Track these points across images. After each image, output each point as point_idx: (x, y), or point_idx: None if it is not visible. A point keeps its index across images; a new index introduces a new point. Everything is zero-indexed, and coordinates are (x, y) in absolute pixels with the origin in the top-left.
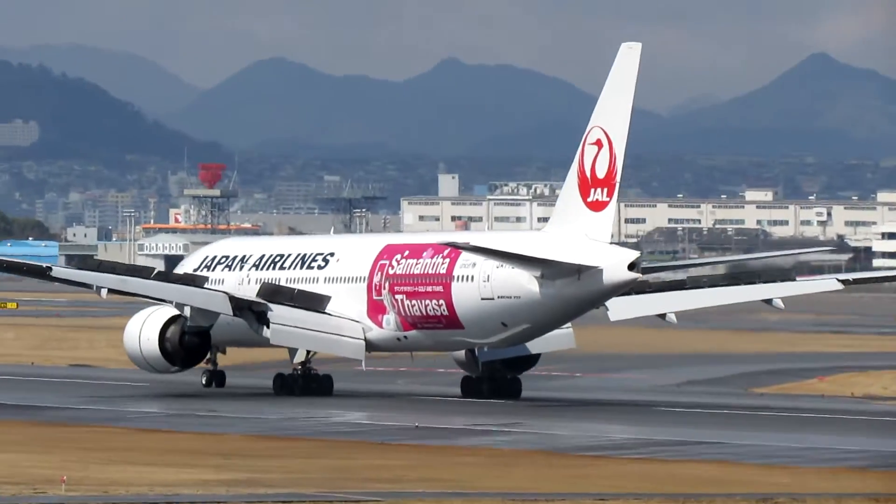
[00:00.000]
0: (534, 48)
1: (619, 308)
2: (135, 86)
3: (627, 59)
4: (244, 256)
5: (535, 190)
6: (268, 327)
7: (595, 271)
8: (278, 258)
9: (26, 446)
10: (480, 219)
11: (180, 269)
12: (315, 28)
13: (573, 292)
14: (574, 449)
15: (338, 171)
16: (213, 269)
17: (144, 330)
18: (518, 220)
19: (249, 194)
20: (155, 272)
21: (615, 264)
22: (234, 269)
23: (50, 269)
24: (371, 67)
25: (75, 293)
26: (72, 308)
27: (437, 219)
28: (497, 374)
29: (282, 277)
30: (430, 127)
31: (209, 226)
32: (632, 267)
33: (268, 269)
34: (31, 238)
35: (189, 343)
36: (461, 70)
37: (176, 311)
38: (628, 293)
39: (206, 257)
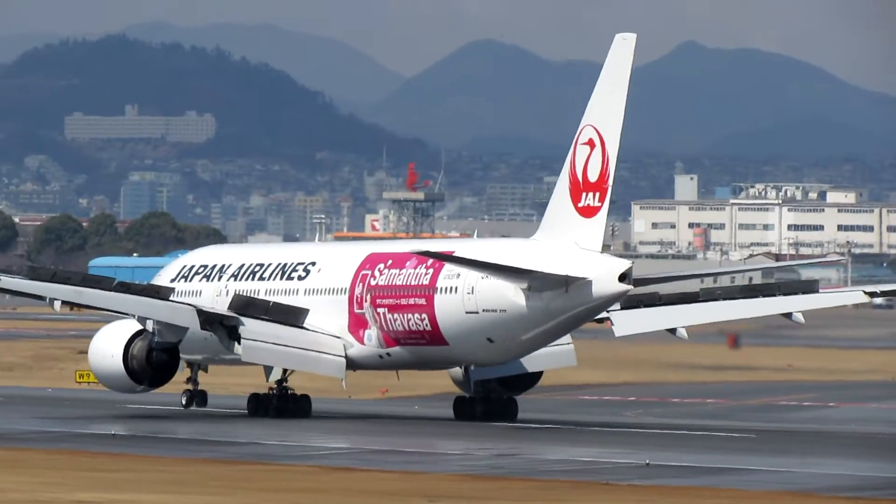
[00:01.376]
0: (781, 30)
1: (625, 323)
2: (326, 73)
3: (621, 51)
4: (223, 266)
5: (786, 193)
6: (239, 343)
7: (583, 283)
8: (258, 268)
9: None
10: (722, 226)
11: (157, 280)
12: (532, 6)
13: (561, 305)
14: (828, 489)
15: (559, 171)
16: (191, 280)
17: (109, 345)
18: (765, 227)
19: (457, 198)
20: (115, 283)
21: (605, 275)
22: (212, 280)
23: None
24: (596, 51)
25: None
26: None
27: (673, 226)
28: (493, 395)
29: (261, 288)
30: (665, 121)
31: (411, 234)
32: (623, 278)
33: (247, 279)
34: None
35: (157, 360)
36: (701, 55)
37: (149, 326)
38: (636, 306)
39: (184, 266)
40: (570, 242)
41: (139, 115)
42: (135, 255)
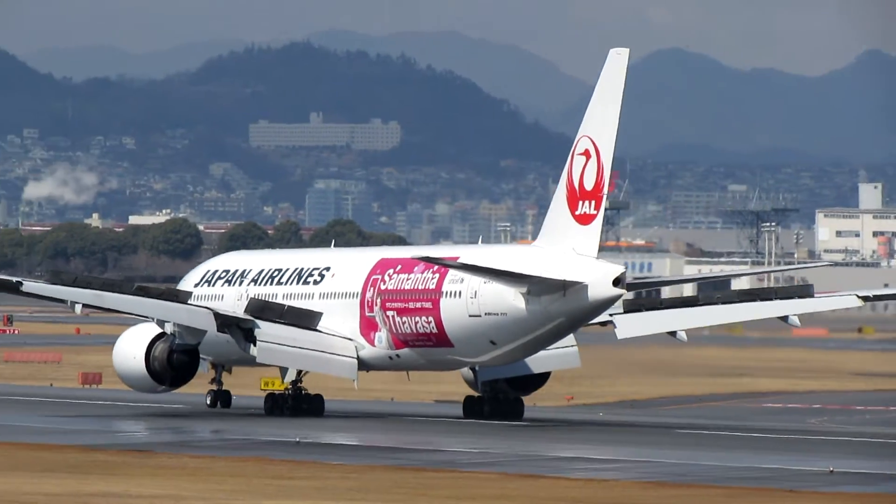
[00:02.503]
0: None
1: (628, 326)
2: (511, 80)
3: (615, 65)
4: (244, 271)
5: None
6: (255, 345)
7: (580, 287)
8: (276, 273)
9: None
10: None
11: (183, 284)
12: (718, 14)
13: (559, 308)
14: None
15: (744, 179)
16: (214, 284)
17: (132, 347)
18: None
19: (643, 206)
20: (135, 287)
21: (600, 279)
22: (233, 284)
23: (21, 283)
24: (782, 60)
25: None
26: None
27: (857, 234)
28: (500, 395)
29: (279, 293)
30: (849, 129)
31: None
32: (617, 282)
33: (265, 284)
34: None
35: (177, 361)
36: (885, 62)
37: (169, 328)
38: (637, 310)
39: (207, 272)
40: (567, 248)
41: (324, 123)
42: None
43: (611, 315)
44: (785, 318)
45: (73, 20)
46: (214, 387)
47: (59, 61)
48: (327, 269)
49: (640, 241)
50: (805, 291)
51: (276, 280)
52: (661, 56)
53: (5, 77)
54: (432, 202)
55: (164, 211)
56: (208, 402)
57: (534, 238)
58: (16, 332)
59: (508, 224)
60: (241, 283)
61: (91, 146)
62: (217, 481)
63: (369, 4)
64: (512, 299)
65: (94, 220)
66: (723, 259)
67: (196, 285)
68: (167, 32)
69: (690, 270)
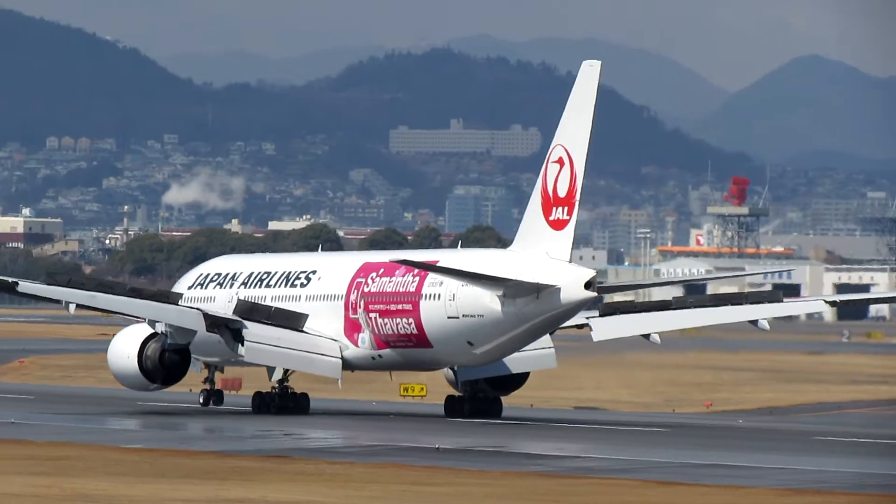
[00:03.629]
0: None
1: (603, 328)
2: (652, 88)
3: (587, 76)
4: (234, 274)
5: None
6: (243, 345)
7: (553, 290)
8: (265, 276)
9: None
10: None
11: (177, 287)
12: (857, 22)
13: (533, 311)
14: None
15: (883, 186)
16: (206, 287)
17: (125, 347)
18: None
19: (782, 213)
20: (128, 288)
21: (572, 283)
22: (224, 287)
23: (17, 283)
24: None
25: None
26: (579, 343)
27: None
28: (479, 394)
29: (267, 295)
30: None
31: (735, 249)
32: (588, 286)
33: (255, 286)
34: None
35: (169, 360)
36: None
37: (160, 328)
38: (612, 313)
39: (201, 275)
40: (541, 253)
41: (464, 129)
42: None
43: (587, 318)
44: (755, 322)
45: (214, 26)
46: (208, 386)
47: (200, 67)
48: (314, 272)
49: (779, 248)
50: (774, 297)
51: (264, 283)
52: (799, 63)
53: (146, 83)
54: None
55: (304, 216)
56: (201, 400)
57: (674, 244)
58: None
59: (648, 230)
60: (231, 286)
61: (231, 152)
62: (355, 487)
63: (510, 11)
64: (488, 302)
65: (234, 226)
66: (862, 266)
67: (189, 287)
68: (308, 38)
69: (830, 278)
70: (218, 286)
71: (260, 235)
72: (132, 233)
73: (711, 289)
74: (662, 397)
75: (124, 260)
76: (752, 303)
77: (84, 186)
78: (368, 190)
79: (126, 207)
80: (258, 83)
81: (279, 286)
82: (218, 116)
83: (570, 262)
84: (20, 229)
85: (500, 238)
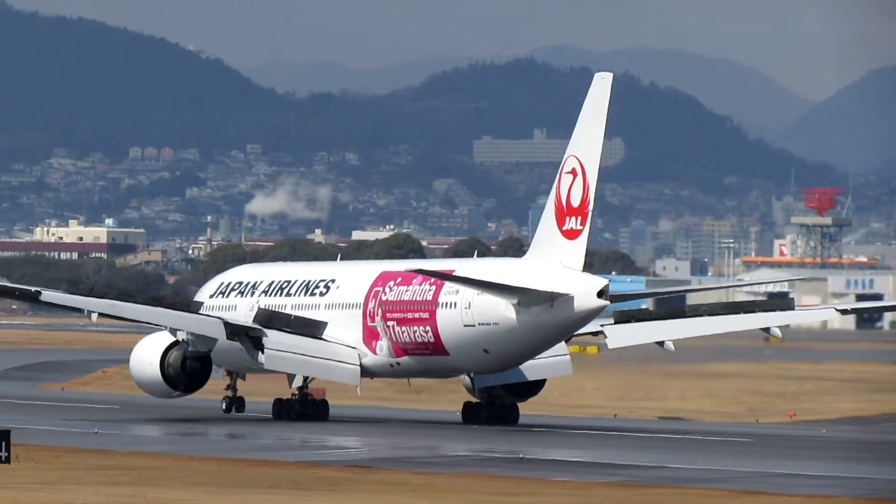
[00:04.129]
0: None
1: (618, 336)
2: (734, 97)
3: (599, 88)
4: (255, 283)
5: None
6: (263, 352)
7: (566, 298)
8: (285, 284)
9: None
10: None
11: (199, 296)
12: None
13: (547, 319)
14: None
15: None
16: (227, 296)
17: (148, 354)
18: None
19: (865, 223)
20: (148, 297)
21: (585, 292)
22: (245, 295)
23: (39, 293)
24: None
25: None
26: (659, 352)
27: None
28: (496, 401)
29: (287, 303)
30: None
31: (818, 259)
32: (601, 294)
33: (275, 295)
34: (613, 272)
35: (191, 368)
36: None
37: (182, 336)
38: (627, 321)
39: (222, 283)
40: (555, 262)
41: (547, 139)
42: None
43: (602, 326)
44: (767, 330)
45: (297, 35)
46: (230, 393)
47: (283, 76)
48: (332, 281)
49: (862, 258)
50: (786, 305)
51: (284, 291)
52: (882, 73)
53: (229, 92)
54: (655, 219)
55: (387, 226)
56: (224, 407)
57: (757, 255)
58: None
59: (732, 240)
60: (252, 294)
61: (314, 161)
62: (439, 498)
63: (593, 21)
64: (503, 310)
65: (317, 236)
66: None
67: (211, 296)
68: (392, 48)
69: None
70: (239, 295)
71: (343, 245)
72: (215, 243)
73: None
74: (746, 407)
75: (207, 270)
76: (764, 311)
77: (167, 196)
78: (452, 200)
79: (209, 217)
80: (341, 93)
81: (299, 295)
82: (301, 126)
83: (584, 271)
84: (103, 239)
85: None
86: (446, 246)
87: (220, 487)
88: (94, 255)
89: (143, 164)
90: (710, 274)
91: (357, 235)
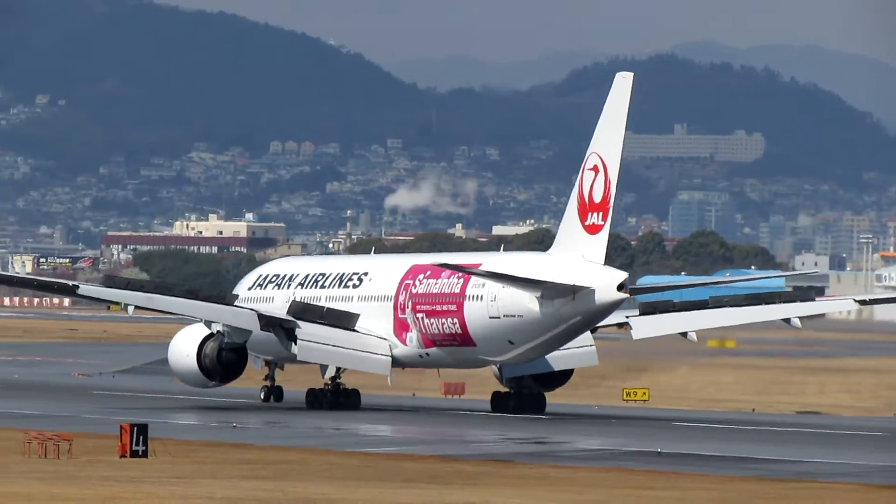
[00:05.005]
0: None
1: (643, 326)
2: (874, 94)
3: (620, 88)
4: (292, 275)
5: None
6: (296, 343)
7: (588, 291)
8: (320, 277)
9: None
10: None
11: (239, 288)
12: None
13: (569, 311)
14: None
15: None
16: (265, 288)
17: (185, 346)
18: None
19: None
20: (184, 290)
21: (606, 285)
22: (282, 288)
23: (77, 286)
24: None
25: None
26: (800, 347)
27: None
28: (524, 391)
29: (322, 296)
30: None
31: None
32: (620, 287)
33: (311, 287)
34: (753, 267)
35: (226, 359)
36: None
37: (218, 328)
38: (651, 312)
39: (260, 276)
40: (578, 256)
41: (688, 134)
42: (682, 273)
43: (627, 317)
44: (788, 320)
45: (438, 31)
46: (268, 383)
47: (424, 72)
48: (365, 274)
49: None
50: (806, 296)
51: (319, 284)
52: None
53: (371, 88)
54: (795, 214)
55: (527, 221)
56: (262, 397)
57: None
58: None
59: (871, 236)
60: (289, 287)
61: (455, 156)
62: (577, 492)
63: (734, 17)
64: (527, 302)
65: (458, 230)
66: None
67: (249, 288)
68: (532, 43)
69: None
70: (276, 287)
71: (484, 240)
72: (355, 237)
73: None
74: (884, 402)
75: None
76: (784, 302)
77: (307, 191)
78: None
79: (349, 212)
80: (482, 88)
81: (333, 287)
82: (442, 121)
83: (605, 264)
84: (243, 234)
85: (723, 243)
86: None
87: (357, 481)
88: (233, 249)
89: (284, 158)
90: (848, 269)
91: (497, 230)
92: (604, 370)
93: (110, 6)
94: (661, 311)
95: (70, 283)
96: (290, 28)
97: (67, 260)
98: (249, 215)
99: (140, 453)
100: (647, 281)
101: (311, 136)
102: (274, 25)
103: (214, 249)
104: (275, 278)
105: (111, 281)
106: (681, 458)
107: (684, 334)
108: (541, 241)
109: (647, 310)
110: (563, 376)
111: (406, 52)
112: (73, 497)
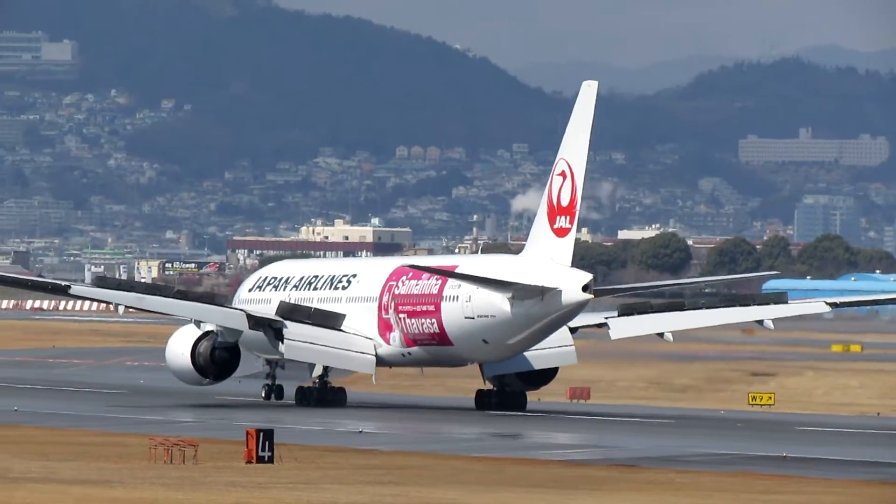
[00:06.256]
0: None
1: (620, 327)
2: None
3: (586, 96)
4: (288, 278)
5: None
6: (283, 343)
7: (555, 292)
8: (313, 279)
9: None
10: None
11: (239, 290)
12: None
13: (538, 311)
14: None
15: None
16: (264, 289)
17: (180, 345)
18: None
19: None
20: (175, 291)
21: (571, 285)
22: (279, 289)
23: (69, 286)
24: None
25: None
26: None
27: None
28: (506, 388)
29: (314, 297)
30: None
31: None
32: (585, 288)
33: (304, 289)
34: (877, 271)
35: (219, 357)
36: None
37: (210, 328)
38: (630, 313)
39: (260, 278)
40: (547, 258)
41: (812, 138)
42: (808, 278)
43: (606, 318)
44: (761, 322)
45: (564, 35)
46: (269, 381)
47: (550, 75)
48: (354, 275)
49: None
50: (779, 298)
51: (312, 286)
52: None
53: (497, 92)
54: None
55: (653, 225)
56: (263, 395)
57: None
58: None
59: None
60: (285, 289)
61: None
62: (702, 496)
63: (857, 20)
64: (499, 303)
65: (584, 235)
66: None
67: (249, 290)
68: (657, 47)
69: None
70: (274, 288)
71: (609, 244)
72: (481, 242)
73: None
74: None
75: None
76: (759, 304)
77: (433, 195)
78: (717, 199)
79: (475, 216)
80: (608, 92)
81: (324, 289)
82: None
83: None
84: (369, 238)
85: (848, 247)
86: (712, 245)
87: (482, 486)
88: (359, 253)
89: (410, 163)
90: None
91: (623, 235)
92: (730, 375)
93: (237, 10)
94: (639, 313)
95: (62, 282)
96: (416, 32)
97: (193, 265)
98: (375, 220)
99: (266, 459)
100: (772, 285)
101: (436, 141)
102: (400, 29)
103: (340, 254)
104: (273, 280)
105: (103, 281)
106: (806, 462)
107: (661, 335)
108: (666, 246)
109: (626, 311)
110: (548, 375)
111: (532, 56)
112: (199, 502)
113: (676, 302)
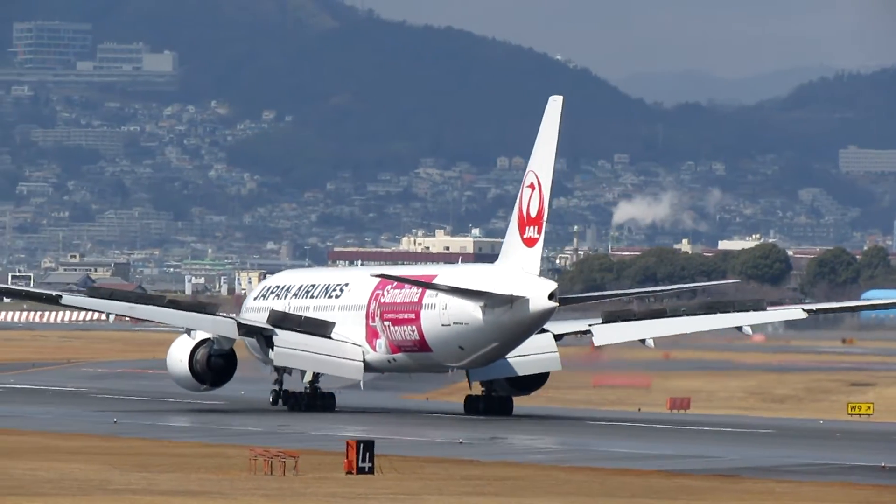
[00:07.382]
0: None
1: (603, 334)
2: None
3: (552, 111)
4: (289, 287)
5: None
6: (273, 350)
7: (523, 301)
8: (311, 288)
9: None
10: None
11: (246, 299)
12: None
13: (508, 319)
14: None
15: None
16: (267, 298)
17: (178, 352)
18: None
19: None
20: (167, 300)
21: (538, 294)
22: (280, 298)
23: (60, 296)
24: None
25: None
26: None
27: None
28: (493, 393)
29: (311, 305)
30: None
31: None
32: (551, 297)
33: (302, 298)
34: None
35: (215, 364)
36: None
37: (206, 335)
38: (613, 320)
39: (264, 287)
40: (517, 267)
41: None
42: None
43: (590, 325)
44: (740, 328)
45: (666, 46)
46: (276, 387)
47: (650, 86)
48: (346, 284)
49: None
50: (758, 305)
51: (309, 294)
52: None
53: (598, 103)
54: None
55: (753, 236)
56: (271, 400)
57: None
58: None
59: None
60: (286, 297)
61: (681, 171)
62: None
63: None
64: (472, 311)
65: (684, 246)
66: None
67: (255, 299)
68: (758, 58)
69: None
70: (276, 297)
71: (709, 255)
72: (581, 252)
73: None
74: None
75: (574, 280)
76: (737, 311)
77: None
78: (817, 210)
79: (576, 227)
80: (708, 103)
81: (320, 297)
82: (668, 136)
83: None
84: (470, 249)
85: None
86: (812, 256)
87: (582, 497)
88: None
89: (510, 174)
90: None
91: (723, 245)
92: (829, 385)
93: (338, 21)
94: (622, 320)
95: (54, 293)
96: (516, 43)
97: None
98: (476, 231)
99: (366, 470)
100: (871, 295)
101: None
102: (501, 40)
103: (441, 264)
104: (276, 289)
105: (95, 291)
106: None
107: (643, 341)
108: (766, 256)
109: (609, 318)
110: (538, 381)
111: (632, 67)
112: None
113: (658, 309)
